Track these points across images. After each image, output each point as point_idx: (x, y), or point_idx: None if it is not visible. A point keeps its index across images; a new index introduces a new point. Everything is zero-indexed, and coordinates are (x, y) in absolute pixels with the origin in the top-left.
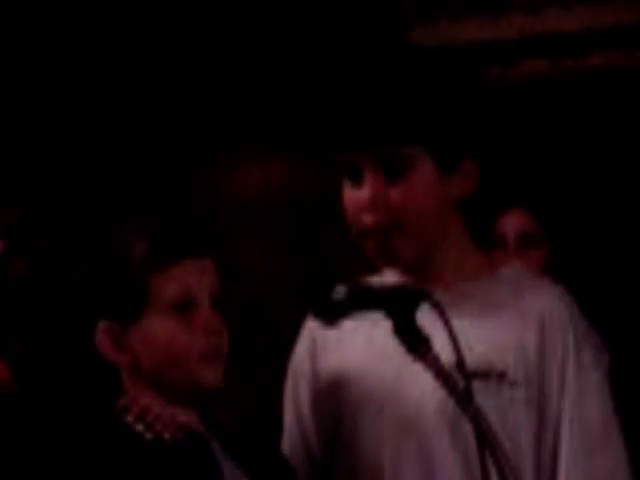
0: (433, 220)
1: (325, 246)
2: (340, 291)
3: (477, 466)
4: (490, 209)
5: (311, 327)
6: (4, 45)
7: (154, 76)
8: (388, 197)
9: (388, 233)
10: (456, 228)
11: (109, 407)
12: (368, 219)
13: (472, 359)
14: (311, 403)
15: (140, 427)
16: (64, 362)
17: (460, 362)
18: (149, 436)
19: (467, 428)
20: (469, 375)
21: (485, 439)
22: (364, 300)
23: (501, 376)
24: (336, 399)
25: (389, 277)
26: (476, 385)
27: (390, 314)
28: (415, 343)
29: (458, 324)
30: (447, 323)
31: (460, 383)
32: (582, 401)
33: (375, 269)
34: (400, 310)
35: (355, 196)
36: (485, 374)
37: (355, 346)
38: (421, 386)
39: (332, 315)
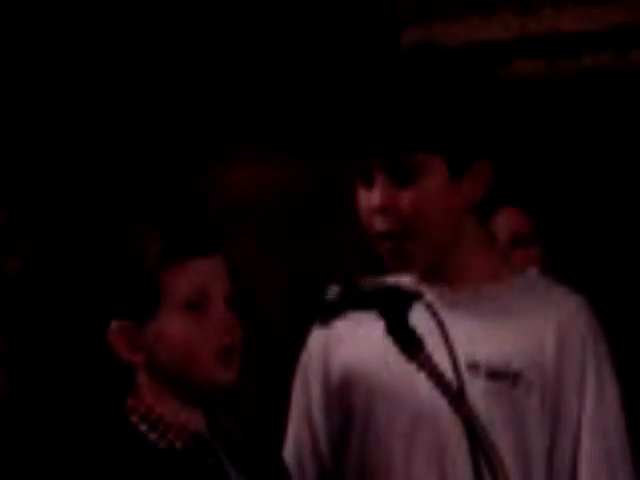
0: (445, 224)
1: (318, 247)
2: (333, 291)
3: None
4: (491, 207)
5: (321, 328)
6: (1, 45)
7: (150, 78)
8: (398, 202)
9: (400, 238)
10: (470, 230)
11: (119, 407)
12: (380, 224)
13: (488, 359)
14: (322, 400)
15: (147, 430)
16: (64, 363)
17: (453, 362)
18: (155, 439)
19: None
20: (461, 375)
21: (477, 438)
22: (357, 300)
23: (517, 377)
24: (348, 394)
25: (405, 278)
26: (491, 386)
27: (383, 314)
28: (408, 343)
29: (475, 325)
30: (440, 324)
31: (454, 383)
32: (602, 419)
33: (386, 270)
34: (393, 310)
35: (367, 200)
36: (501, 375)
37: (368, 341)
38: None
39: (325, 315)
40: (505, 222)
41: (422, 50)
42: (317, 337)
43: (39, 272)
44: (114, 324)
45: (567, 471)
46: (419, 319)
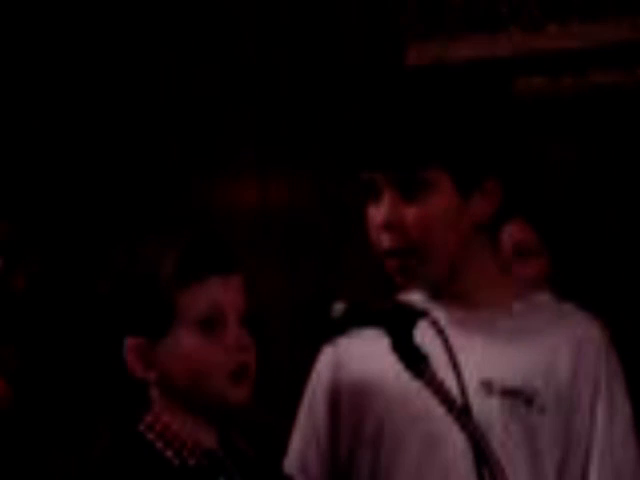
0: (451, 242)
1: (323, 264)
2: (338, 309)
3: None
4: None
5: (333, 344)
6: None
7: (157, 95)
8: (403, 218)
9: (405, 255)
10: (480, 248)
11: (133, 422)
12: (385, 240)
13: (503, 378)
14: (330, 419)
15: (161, 445)
16: (76, 378)
17: (458, 379)
18: (169, 455)
19: (494, 441)
20: (466, 392)
21: (483, 456)
22: (362, 318)
23: (531, 396)
24: (358, 413)
25: (416, 297)
26: (506, 405)
27: (388, 331)
28: (413, 360)
29: (488, 344)
30: (445, 341)
31: (459, 400)
32: (612, 441)
33: (394, 288)
34: (398, 327)
35: (375, 215)
36: (515, 394)
37: (377, 359)
38: None
39: (330, 333)
40: (509, 234)
41: (430, 67)
42: (326, 356)
43: (45, 287)
44: (128, 341)
45: None
46: (425, 336)
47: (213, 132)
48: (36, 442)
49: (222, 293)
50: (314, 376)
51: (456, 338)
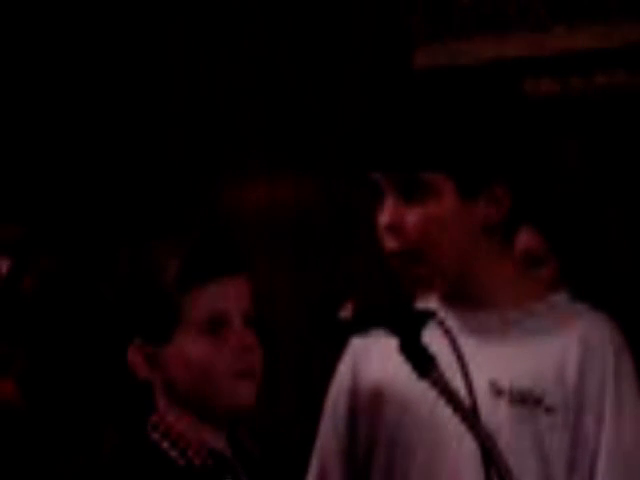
0: (454, 247)
1: (332, 266)
2: (347, 309)
3: None
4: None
5: (354, 344)
6: (6, 51)
7: (161, 92)
8: (405, 220)
9: (409, 262)
10: (488, 252)
11: (139, 423)
12: (389, 243)
13: (512, 383)
14: (349, 419)
15: (168, 447)
16: (83, 380)
17: (466, 380)
18: (175, 457)
19: (504, 442)
20: (474, 393)
21: (491, 458)
22: (370, 319)
23: (538, 400)
24: (375, 413)
25: (432, 303)
26: (515, 409)
27: (396, 333)
28: (420, 361)
29: (498, 348)
30: (453, 342)
31: (467, 401)
32: (620, 439)
33: (403, 292)
34: (406, 329)
35: (379, 220)
36: (524, 398)
37: (396, 361)
38: None
39: (339, 333)
40: (518, 241)
41: (438, 69)
42: (348, 356)
43: (55, 289)
44: (133, 344)
45: None
46: (433, 338)
47: (222, 133)
48: (45, 443)
49: (225, 295)
50: (337, 376)
51: (467, 340)
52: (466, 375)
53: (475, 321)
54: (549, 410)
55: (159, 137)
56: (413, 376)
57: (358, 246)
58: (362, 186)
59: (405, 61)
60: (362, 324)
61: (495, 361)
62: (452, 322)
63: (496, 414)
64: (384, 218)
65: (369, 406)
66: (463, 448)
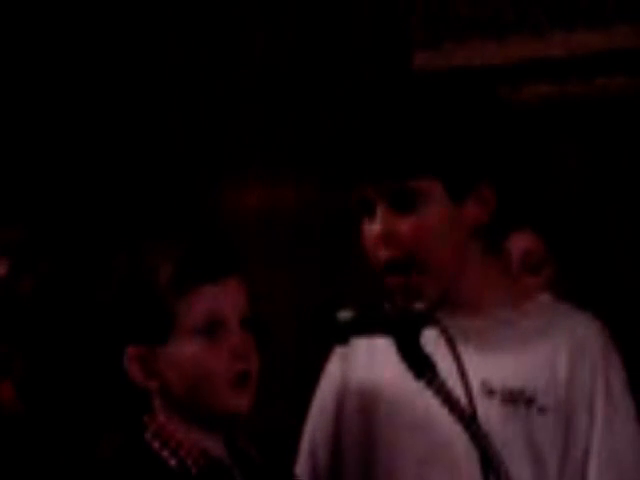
0: (448, 252)
1: (330, 270)
2: (345, 314)
3: None
4: (501, 231)
5: (343, 348)
6: (5, 51)
7: (159, 93)
8: (399, 229)
9: (406, 271)
10: (478, 255)
11: (137, 429)
12: (382, 255)
13: (503, 383)
14: (338, 419)
15: (165, 453)
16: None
17: (466, 387)
18: (173, 463)
19: (496, 442)
20: (474, 400)
21: (490, 464)
22: (368, 325)
23: (530, 400)
24: (365, 419)
25: (417, 305)
26: (507, 409)
27: (395, 340)
28: (420, 368)
29: (489, 350)
30: (452, 347)
31: (467, 408)
32: (612, 434)
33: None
34: (404, 334)
35: (370, 230)
36: (516, 398)
37: (385, 366)
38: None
39: (337, 338)
40: (517, 245)
41: (418, 76)
42: (335, 362)
43: (53, 292)
44: (128, 349)
45: None
46: (431, 343)
47: (221, 136)
48: (43, 447)
49: (220, 298)
50: (324, 377)
51: (457, 342)
52: (465, 380)
53: (464, 324)
54: (541, 410)
55: (157, 140)
56: (406, 376)
57: (357, 251)
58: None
59: (404, 67)
60: (361, 326)
61: (486, 362)
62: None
63: (488, 414)
64: (377, 228)
65: (360, 406)
66: (458, 448)
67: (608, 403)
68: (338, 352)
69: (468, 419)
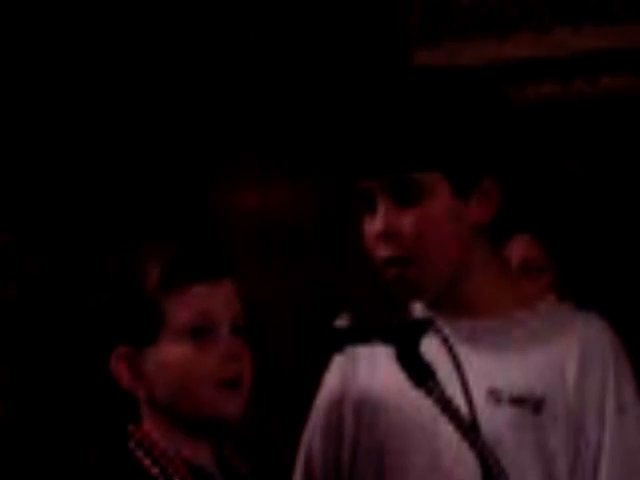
0: (451, 249)
1: (326, 272)
2: (342, 321)
3: None
4: (505, 230)
5: (342, 356)
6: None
7: (152, 93)
8: (400, 225)
9: (404, 265)
10: (481, 254)
11: (122, 437)
12: (383, 251)
13: (510, 387)
14: (339, 434)
15: (147, 462)
16: (67, 391)
17: (466, 394)
18: (155, 472)
19: (505, 461)
20: (474, 408)
21: (491, 474)
22: (367, 332)
23: (539, 403)
24: (366, 429)
25: (417, 312)
26: (515, 414)
27: (394, 342)
28: (421, 377)
29: (494, 353)
30: (450, 349)
31: (467, 416)
32: (622, 439)
33: (395, 300)
34: (404, 338)
35: (370, 226)
36: (524, 401)
37: (385, 374)
38: None
39: (334, 344)
40: (516, 250)
41: (422, 69)
42: (334, 371)
43: (40, 297)
44: (116, 350)
45: None
46: (431, 349)
47: (212, 135)
48: (27, 456)
49: (210, 300)
50: (323, 387)
51: (461, 347)
52: (466, 388)
53: (467, 328)
54: (549, 416)
55: (148, 140)
56: (404, 389)
57: (354, 253)
58: (352, 193)
59: (404, 63)
60: (359, 334)
61: (492, 368)
62: (444, 330)
63: (496, 422)
64: (378, 225)
65: (360, 417)
66: (461, 457)
67: (618, 405)
68: (337, 361)
69: (467, 428)
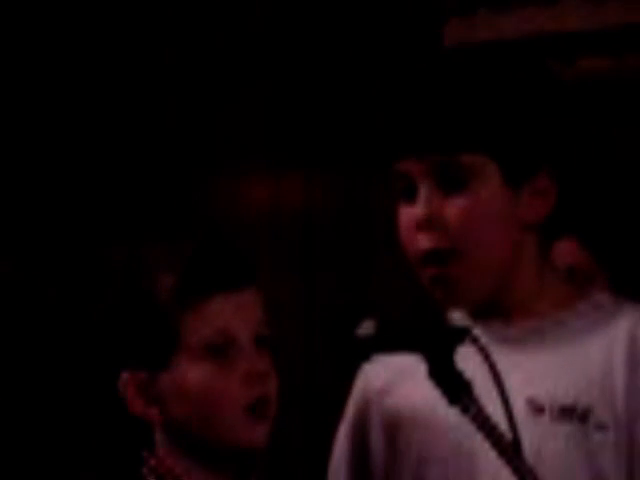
0: (500, 246)
1: (340, 273)
2: (367, 327)
3: None
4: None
5: (366, 367)
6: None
7: (154, 83)
8: (445, 212)
9: (446, 259)
10: (530, 254)
11: (136, 465)
12: (423, 242)
13: (553, 397)
14: (366, 454)
15: None
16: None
17: (507, 410)
18: None
19: (548, 467)
20: (517, 426)
21: None
22: (394, 340)
23: (584, 416)
24: (397, 442)
25: (455, 315)
26: (559, 426)
27: (425, 356)
28: (455, 392)
29: (535, 361)
30: (489, 361)
31: (508, 435)
32: None
33: (428, 306)
34: (437, 349)
35: (409, 215)
36: (568, 412)
37: (421, 384)
38: None
39: (357, 354)
40: (561, 256)
41: (466, 46)
42: (360, 382)
43: (12, 296)
44: (125, 374)
45: None
46: (468, 360)
47: (219, 126)
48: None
49: (232, 313)
50: (350, 399)
51: (498, 354)
52: (506, 403)
53: (506, 332)
54: (599, 426)
55: (149, 131)
56: (438, 403)
57: (376, 252)
58: (382, 182)
59: (434, 37)
60: (385, 344)
61: (532, 376)
62: (482, 335)
63: (537, 434)
64: (419, 211)
65: (388, 434)
66: (501, 477)
67: None
68: (365, 370)
69: (508, 447)
